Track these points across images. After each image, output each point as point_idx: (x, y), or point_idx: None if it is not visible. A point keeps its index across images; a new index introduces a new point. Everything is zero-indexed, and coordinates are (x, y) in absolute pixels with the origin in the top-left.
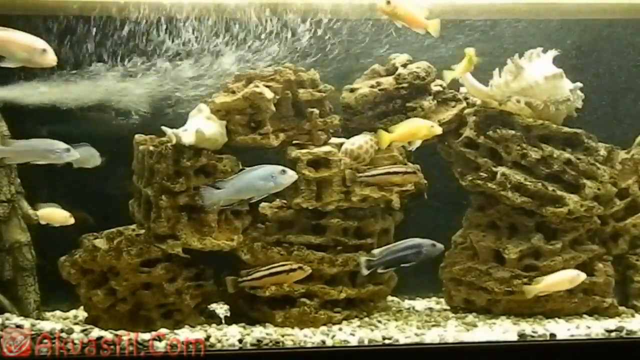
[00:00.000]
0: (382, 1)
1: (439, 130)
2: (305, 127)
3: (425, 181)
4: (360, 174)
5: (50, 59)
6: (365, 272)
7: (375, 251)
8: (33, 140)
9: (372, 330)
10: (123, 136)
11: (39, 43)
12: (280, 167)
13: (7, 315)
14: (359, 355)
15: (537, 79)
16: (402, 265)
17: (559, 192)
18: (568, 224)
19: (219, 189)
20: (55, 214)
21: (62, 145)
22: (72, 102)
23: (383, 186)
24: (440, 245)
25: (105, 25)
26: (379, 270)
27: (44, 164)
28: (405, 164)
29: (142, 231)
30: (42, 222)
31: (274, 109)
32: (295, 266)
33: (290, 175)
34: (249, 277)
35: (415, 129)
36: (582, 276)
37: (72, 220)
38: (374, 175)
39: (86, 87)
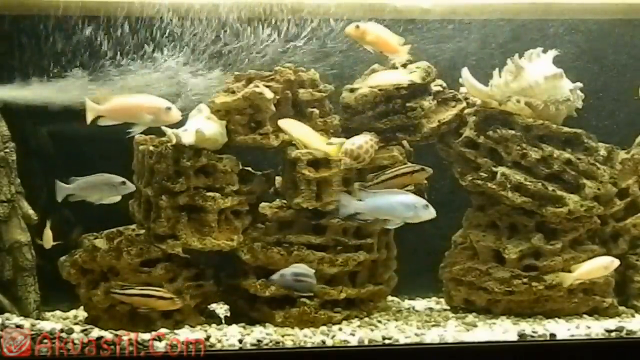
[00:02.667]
0: (351, 26)
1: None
2: None
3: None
4: (370, 183)
5: (175, 115)
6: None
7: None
8: (92, 177)
9: (372, 330)
10: None
11: (163, 103)
12: (425, 202)
13: (7, 315)
14: (359, 355)
15: (537, 79)
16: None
17: (559, 192)
18: (568, 224)
19: (359, 199)
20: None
21: (118, 179)
22: None
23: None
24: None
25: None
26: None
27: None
28: (406, 164)
29: (142, 231)
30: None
31: (274, 109)
32: (166, 295)
33: (431, 212)
34: (121, 291)
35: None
36: (616, 262)
37: (48, 246)
38: (384, 181)
39: None
